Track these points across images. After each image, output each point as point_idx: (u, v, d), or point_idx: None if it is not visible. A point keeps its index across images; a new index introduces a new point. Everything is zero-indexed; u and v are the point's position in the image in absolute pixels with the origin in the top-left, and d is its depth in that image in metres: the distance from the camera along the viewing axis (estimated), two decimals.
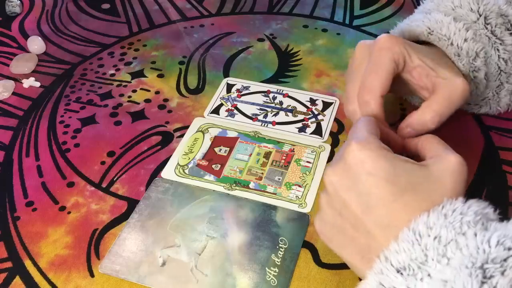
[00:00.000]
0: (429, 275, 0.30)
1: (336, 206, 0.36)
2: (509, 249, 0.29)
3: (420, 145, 0.41)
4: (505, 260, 0.28)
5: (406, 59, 0.44)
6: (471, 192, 0.47)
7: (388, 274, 0.31)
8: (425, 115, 0.43)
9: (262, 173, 0.50)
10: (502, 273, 0.28)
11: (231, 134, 0.54)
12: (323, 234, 0.38)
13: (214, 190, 0.48)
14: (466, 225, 0.31)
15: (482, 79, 0.47)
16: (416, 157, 0.40)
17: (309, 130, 0.54)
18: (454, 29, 0.46)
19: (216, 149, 0.52)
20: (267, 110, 0.57)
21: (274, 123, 0.55)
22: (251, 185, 0.49)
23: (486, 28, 0.47)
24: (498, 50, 0.47)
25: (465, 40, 0.46)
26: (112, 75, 0.63)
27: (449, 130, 0.53)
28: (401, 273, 0.31)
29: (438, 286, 0.29)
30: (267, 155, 0.51)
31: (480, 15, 0.47)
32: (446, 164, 0.35)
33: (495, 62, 0.47)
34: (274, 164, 0.50)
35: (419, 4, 0.54)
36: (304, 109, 0.56)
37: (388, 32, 0.52)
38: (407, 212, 0.33)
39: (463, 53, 0.46)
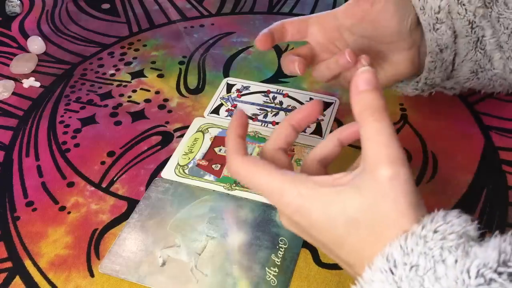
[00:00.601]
0: None
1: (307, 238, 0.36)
2: (490, 281, 0.26)
3: (361, 140, 0.33)
4: None
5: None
6: (471, 192, 0.48)
7: None
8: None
9: None
10: None
11: None
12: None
13: (214, 190, 0.48)
14: (447, 251, 0.27)
15: (447, 30, 0.47)
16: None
17: (309, 130, 0.54)
18: None
19: (216, 149, 0.52)
20: (267, 110, 0.57)
21: (274, 123, 0.55)
22: None
23: None
24: (464, 4, 0.47)
25: None
26: (112, 75, 0.63)
27: (449, 130, 0.54)
28: None
29: None
30: None
31: None
32: (375, 186, 0.30)
33: (463, 15, 0.47)
34: None
35: None
36: None
37: None
38: (368, 243, 0.30)
39: (427, 6, 0.46)
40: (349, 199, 0.31)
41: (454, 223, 0.29)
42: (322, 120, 0.55)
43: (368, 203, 0.30)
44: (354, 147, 0.52)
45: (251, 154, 0.51)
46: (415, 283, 0.27)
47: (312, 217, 0.32)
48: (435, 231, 0.28)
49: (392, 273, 0.28)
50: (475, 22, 0.48)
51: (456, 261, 0.27)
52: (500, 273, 0.26)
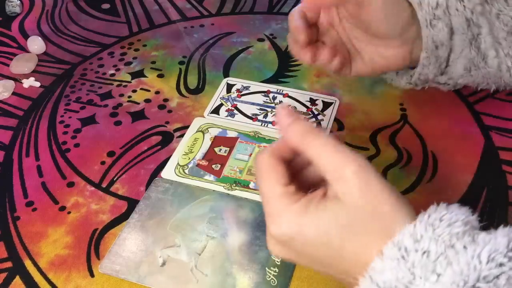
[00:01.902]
0: None
1: (299, 261, 0.35)
2: (501, 265, 0.27)
3: (312, 156, 0.34)
4: (497, 277, 0.27)
5: None
6: (471, 192, 0.48)
7: None
8: None
9: None
10: None
11: (231, 134, 0.54)
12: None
13: (214, 190, 0.48)
14: (455, 237, 0.29)
15: (443, 27, 0.48)
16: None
17: None
18: None
19: (216, 149, 0.52)
20: (267, 110, 0.57)
21: (274, 123, 0.55)
22: (251, 185, 0.49)
23: None
24: (463, 1, 0.47)
25: None
26: (112, 75, 0.63)
27: (449, 130, 0.54)
28: None
29: None
30: None
31: None
32: (349, 188, 0.32)
33: (461, 11, 0.47)
34: None
35: None
36: (304, 109, 0.56)
37: None
38: (369, 241, 0.31)
39: (425, 1, 0.47)
40: (334, 210, 0.32)
41: (457, 213, 0.30)
42: (322, 120, 0.55)
43: (353, 206, 0.31)
44: (354, 147, 0.52)
45: (251, 154, 0.52)
46: (428, 268, 0.28)
47: (307, 237, 0.32)
48: (441, 219, 0.30)
49: (404, 259, 0.29)
50: (472, 19, 0.48)
51: (464, 247, 0.28)
52: (510, 258, 0.27)
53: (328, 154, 0.33)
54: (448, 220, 0.30)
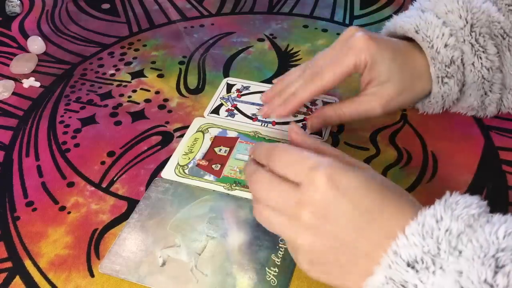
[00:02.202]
0: (441, 267, 0.30)
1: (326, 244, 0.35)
2: None
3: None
4: None
5: (366, 67, 0.48)
6: (471, 192, 0.47)
7: (398, 268, 0.31)
8: (329, 112, 0.51)
9: None
10: None
11: (231, 134, 0.54)
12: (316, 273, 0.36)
13: (214, 190, 0.48)
14: (472, 218, 0.31)
15: (454, 86, 0.49)
16: None
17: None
18: (439, 33, 0.48)
19: (216, 149, 0.52)
20: None
21: (274, 123, 0.55)
22: None
23: (471, 36, 0.48)
24: (481, 58, 0.48)
25: (445, 45, 0.48)
26: (112, 75, 0.63)
27: (449, 130, 0.54)
28: (413, 267, 0.31)
29: (452, 277, 0.30)
30: None
31: (467, 23, 0.48)
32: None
33: (478, 70, 0.48)
34: None
35: None
36: (304, 109, 0.56)
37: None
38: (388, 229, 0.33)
39: (438, 58, 0.48)
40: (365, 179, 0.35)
41: (470, 198, 0.33)
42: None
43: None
44: (355, 147, 0.52)
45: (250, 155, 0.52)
46: (452, 244, 0.30)
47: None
48: (457, 203, 0.32)
49: (430, 235, 0.31)
50: (487, 78, 0.49)
51: (481, 226, 0.31)
52: None
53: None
54: (464, 203, 0.32)
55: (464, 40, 0.48)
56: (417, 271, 0.31)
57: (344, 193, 0.33)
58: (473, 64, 0.48)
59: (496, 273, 0.29)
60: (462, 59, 0.48)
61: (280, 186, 0.36)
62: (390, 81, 0.48)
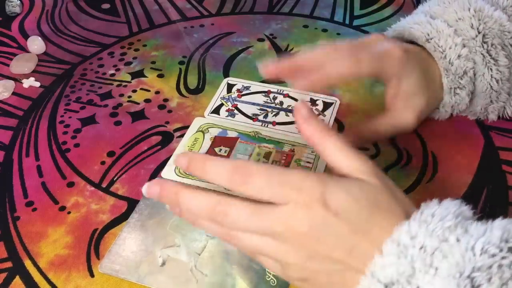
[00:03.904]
0: (418, 287, 0.29)
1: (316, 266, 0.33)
2: (493, 255, 0.28)
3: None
4: (490, 267, 0.28)
5: (395, 78, 0.47)
6: (471, 192, 0.48)
7: None
8: (365, 130, 0.48)
9: None
10: (489, 280, 0.28)
11: (231, 134, 0.54)
12: None
13: (214, 190, 0.48)
14: (447, 231, 0.30)
15: (465, 96, 0.49)
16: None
17: None
18: (451, 43, 0.47)
19: (216, 149, 0.52)
20: (267, 110, 0.57)
21: (274, 123, 0.55)
22: None
23: (483, 47, 0.48)
24: (491, 69, 0.48)
25: (458, 56, 0.47)
26: (112, 75, 0.63)
27: (449, 130, 0.54)
28: None
29: None
30: (267, 155, 0.51)
31: (479, 33, 0.48)
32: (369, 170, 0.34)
33: (488, 81, 0.48)
34: (274, 164, 0.50)
35: (419, 4, 0.54)
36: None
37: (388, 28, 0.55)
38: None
39: (452, 69, 0.48)
40: (362, 185, 0.33)
41: (448, 206, 0.32)
42: (323, 120, 0.55)
43: (375, 186, 0.33)
44: None
45: (251, 154, 0.52)
46: (426, 262, 0.29)
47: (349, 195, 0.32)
48: (433, 215, 0.31)
49: (404, 254, 0.30)
50: (496, 89, 0.49)
51: (457, 239, 0.30)
52: (501, 249, 0.29)
53: (341, 152, 0.35)
54: (439, 215, 0.31)
55: (476, 50, 0.48)
56: None
57: (334, 213, 0.32)
58: (483, 75, 0.48)
59: None
60: (474, 70, 0.48)
61: (263, 210, 0.33)
62: (420, 92, 0.48)
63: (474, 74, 0.48)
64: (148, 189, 0.37)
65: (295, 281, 0.35)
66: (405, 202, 0.34)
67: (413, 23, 0.50)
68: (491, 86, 0.48)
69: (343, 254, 0.32)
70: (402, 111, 0.48)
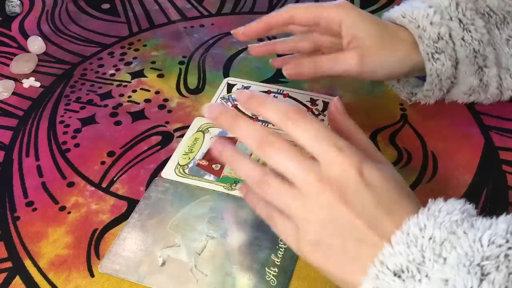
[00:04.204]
0: (427, 275, 0.30)
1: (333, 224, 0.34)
2: (500, 246, 0.30)
3: None
4: (497, 256, 0.30)
5: (343, 26, 0.49)
6: (471, 192, 0.48)
7: (385, 278, 0.31)
8: (306, 61, 0.49)
9: None
10: (497, 269, 0.29)
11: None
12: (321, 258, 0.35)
13: (214, 190, 0.48)
14: (455, 224, 0.32)
15: (446, 61, 0.49)
16: None
17: None
18: (423, 13, 0.49)
19: None
20: None
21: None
22: None
23: (458, 11, 0.49)
24: (469, 31, 0.49)
25: (431, 23, 0.49)
26: (112, 75, 0.63)
27: (449, 130, 0.54)
28: (399, 276, 0.31)
29: (438, 286, 0.30)
30: None
31: (452, 0, 0.49)
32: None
33: (469, 43, 0.49)
34: None
35: None
36: (304, 109, 0.56)
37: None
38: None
39: (425, 35, 0.48)
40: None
41: (454, 203, 0.33)
42: (323, 120, 0.55)
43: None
44: None
45: (251, 154, 0.52)
46: (435, 252, 0.31)
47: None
48: (440, 210, 0.32)
49: (414, 243, 0.31)
50: (479, 50, 0.49)
51: (464, 232, 0.31)
52: (507, 240, 0.30)
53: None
54: (446, 210, 0.32)
55: (451, 17, 0.49)
56: (403, 280, 0.31)
57: (367, 183, 0.33)
58: (462, 38, 0.49)
59: (481, 280, 0.29)
60: (450, 35, 0.49)
61: (299, 157, 0.35)
62: (369, 36, 0.48)
63: (452, 40, 0.49)
64: (209, 109, 0.38)
65: (306, 245, 0.35)
66: (416, 201, 0.36)
67: (391, 10, 0.53)
68: (473, 49, 0.49)
69: (364, 224, 0.33)
70: (348, 52, 0.48)
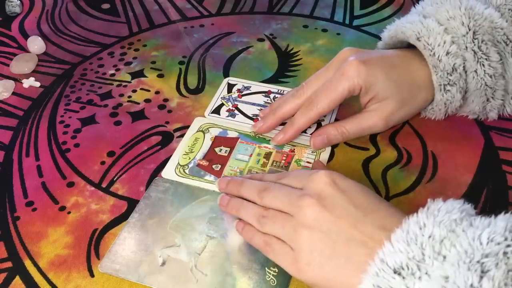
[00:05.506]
0: (427, 273, 0.31)
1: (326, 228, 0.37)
2: (498, 243, 0.30)
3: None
4: (496, 254, 0.30)
5: (362, 91, 0.49)
6: (471, 192, 0.48)
7: (385, 275, 0.32)
8: (332, 130, 0.51)
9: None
10: (496, 266, 0.29)
11: (232, 134, 0.54)
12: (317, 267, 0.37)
13: (214, 190, 0.48)
14: (454, 223, 0.32)
15: (457, 93, 0.49)
16: None
17: (309, 130, 0.54)
18: (440, 41, 0.48)
19: (217, 149, 0.52)
20: None
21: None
22: None
23: (474, 43, 0.48)
24: (483, 65, 0.48)
25: (447, 53, 0.48)
26: (112, 75, 0.63)
27: (449, 130, 0.54)
28: (399, 273, 0.32)
29: (438, 283, 0.30)
30: (267, 155, 0.51)
31: (470, 30, 0.48)
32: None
33: (481, 77, 0.48)
34: (274, 164, 0.50)
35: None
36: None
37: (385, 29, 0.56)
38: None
39: (440, 66, 0.48)
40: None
41: (453, 203, 0.34)
42: (323, 120, 0.55)
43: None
44: (354, 147, 0.52)
45: (251, 154, 0.52)
46: (435, 249, 0.31)
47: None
48: (439, 210, 0.33)
49: (414, 241, 0.32)
50: (490, 85, 0.49)
51: (463, 230, 0.32)
52: (506, 237, 0.31)
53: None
54: (445, 209, 0.33)
55: (467, 47, 0.48)
56: (403, 277, 0.31)
57: (342, 191, 0.38)
58: (475, 71, 0.48)
59: (481, 277, 0.29)
60: (464, 67, 0.48)
61: (293, 190, 0.41)
62: (389, 97, 0.49)
63: (466, 71, 0.49)
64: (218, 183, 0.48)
65: (303, 263, 0.37)
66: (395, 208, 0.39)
67: (406, 23, 0.51)
68: (485, 83, 0.49)
69: (347, 224, 0.36)
70: (371, 114, 0.50)
